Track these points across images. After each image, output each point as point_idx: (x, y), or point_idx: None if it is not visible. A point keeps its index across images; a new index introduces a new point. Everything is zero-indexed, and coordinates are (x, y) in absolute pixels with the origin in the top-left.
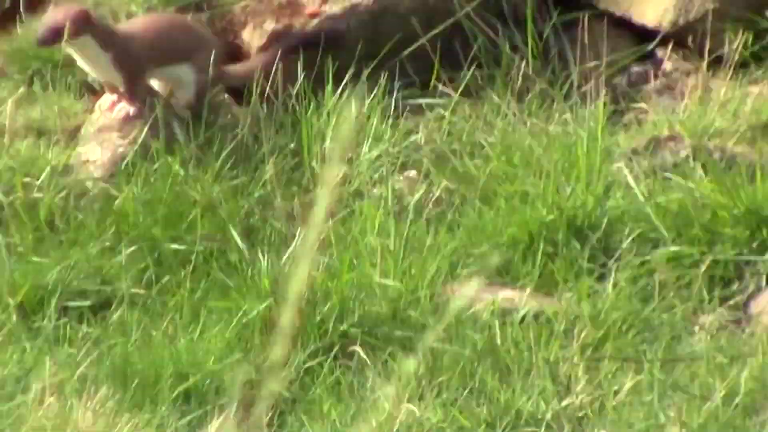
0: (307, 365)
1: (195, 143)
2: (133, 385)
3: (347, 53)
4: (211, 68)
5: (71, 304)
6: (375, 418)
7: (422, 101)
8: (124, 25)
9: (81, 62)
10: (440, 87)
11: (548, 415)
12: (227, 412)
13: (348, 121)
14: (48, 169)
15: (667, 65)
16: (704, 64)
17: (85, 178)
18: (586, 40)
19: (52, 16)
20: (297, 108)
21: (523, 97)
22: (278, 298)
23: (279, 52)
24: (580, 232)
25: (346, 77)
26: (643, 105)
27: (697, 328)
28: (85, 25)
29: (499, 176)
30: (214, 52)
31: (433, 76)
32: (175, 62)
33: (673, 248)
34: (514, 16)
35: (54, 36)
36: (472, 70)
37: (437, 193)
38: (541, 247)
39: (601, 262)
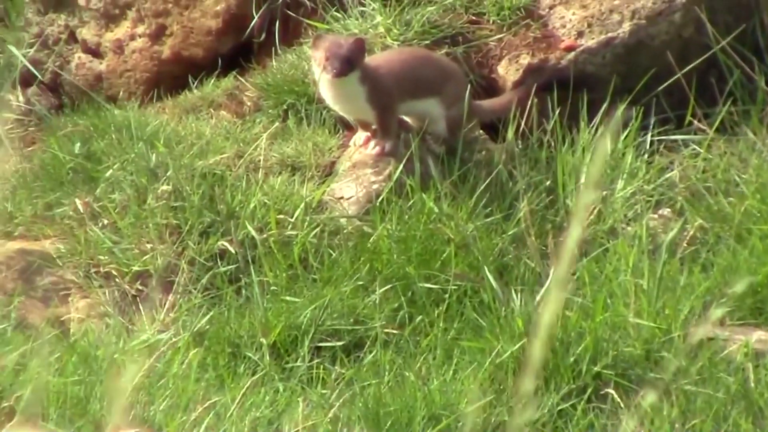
0: (560, 407)
1: (449, 180)
2: (386, 426)
3: (601, 88)
4: (461, 103)
5: (324, 344)
6: None
7: (677, 137)
8: (371, 59)
9: (333, 97)
10: (695, 123)
11: None
12: None
13: (602, 158)
14: (302, 205)
15: None
16: None
17: (339, 215)
18: None
19: (336, 46)
20: (551, 144)
21: None
22: (532, 338)
23: (533, 88)
24: None
25: (600, 112)
26: None
27: None
28: (361, 56)
29: (753, 214)
30: (462, 86)
31: (688, 112)
32: (424, 97)
33: None
34: None
35: (348, 68)
36: (727, 105)
37: (692, 232)
38: None
39: None
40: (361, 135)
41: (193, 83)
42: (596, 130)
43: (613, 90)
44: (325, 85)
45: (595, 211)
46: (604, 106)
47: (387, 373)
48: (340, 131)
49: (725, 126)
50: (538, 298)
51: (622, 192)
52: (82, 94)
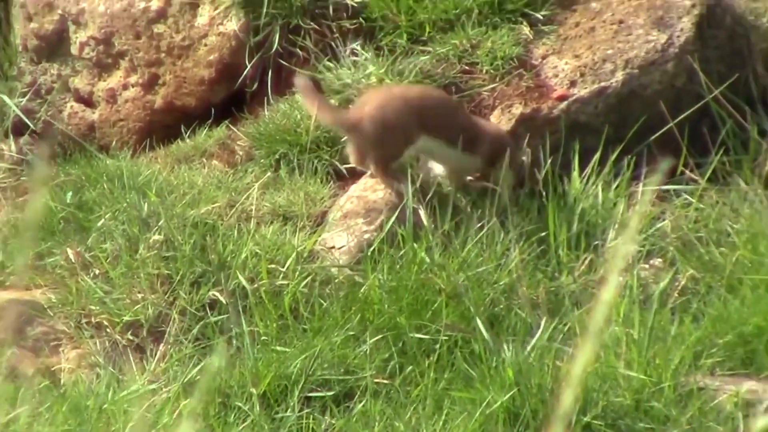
0: None
1: (441, 230)
2: None
3: (593, 137)
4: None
5: (314, 394)
6: None
7: (669, 187)
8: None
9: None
10: (687, 172)
11: None
12: None
13: (594, 208)
14: (293, 255)
15: None
16: None
17: (330, 264)
18: None
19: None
20: (543, 193)
21: None
22: (523, 389)
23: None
24: None
25: (592, 162)
26: None
27: None
28: None
29: (745, 265)
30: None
31: (681, 162)
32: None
33: None
34: (762, 100)
35: None
36: (719, 155)
37: (683, 282)
38: None
39: None
40: (356, 186)
41: (186, 133)
42: (588, 179)
43: (605, 139)
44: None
45: (587, 262)
46: (597, 155)
47: (377, 424)
48: (332, 181)
49: (717, 176)
50: (528, 348)
51: (614, 242)
52: (74, 143)
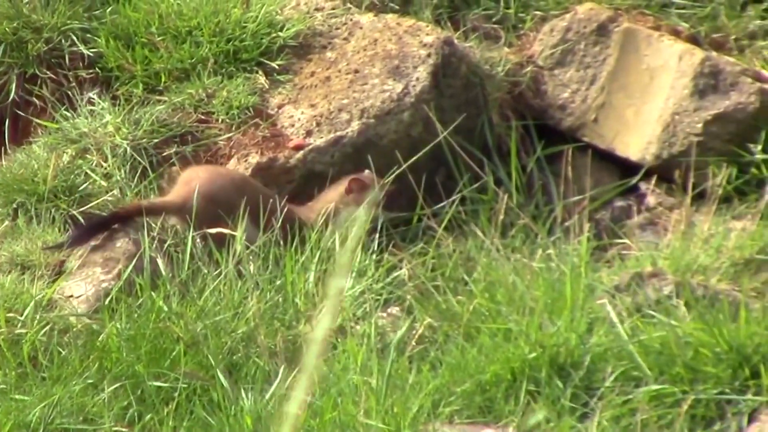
0: None
1: (179, 278)
2: None
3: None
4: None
5: None
6: None
7: (406, 236)
8: None
9: None
10: (424, 221)
11: None
12: None
13: (332, 256)
14: (32, 304)
15: (651, 199)
16: (688, 199)
17: (68, 313)
18: (569, 174)
19: None
20: (281, 243)
21: (506, 231)
22: None
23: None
24: (563, 370)
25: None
26: (626, 241)
27: None
28: None
29: (482, 313)
30: None
31: (417, 210)
32: None
33: (656, 387)
34: (498, 150)
35: None
36: (455, 204)
37: (420, 330)
38: (524, 385)
39: (583, 401)
40: None
41: None
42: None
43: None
44: None
45: (324, 310)
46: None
47: None
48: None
49: (454, 225)
50: (267, 396)
51: (351, 290)
52: None
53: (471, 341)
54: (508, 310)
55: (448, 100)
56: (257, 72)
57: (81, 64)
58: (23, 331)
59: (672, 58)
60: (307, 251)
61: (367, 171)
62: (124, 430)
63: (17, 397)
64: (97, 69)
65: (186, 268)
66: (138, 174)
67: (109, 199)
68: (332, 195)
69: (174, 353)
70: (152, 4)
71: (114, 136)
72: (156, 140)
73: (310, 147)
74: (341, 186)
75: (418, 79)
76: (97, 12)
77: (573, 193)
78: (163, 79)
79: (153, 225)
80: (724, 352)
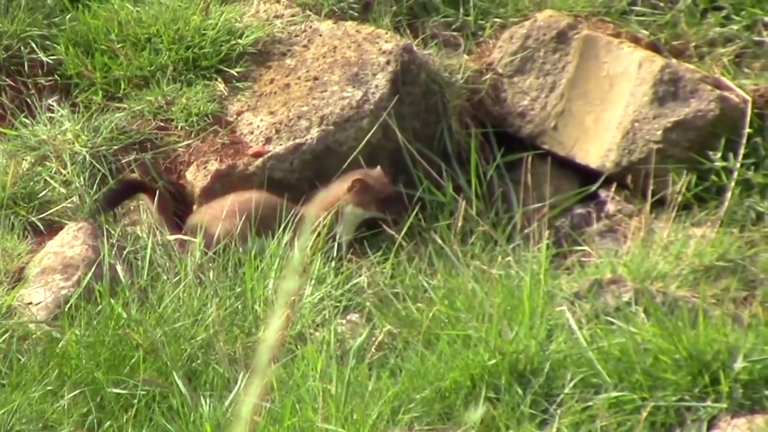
0: None
1: (138, 285)
2: None
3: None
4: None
5: None
6: None
7: (365, 243)
8: None
9: None
10: (384, 228)
11: None
12: None
13: (291, 264)
14: None
15: (610, 207)
16: (647, 206)
17: (28, 320)
18: (529, 181)
19: None
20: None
21: (466, 238)
22: None
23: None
24: (523, 377)
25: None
26: (585, 248)
27: None
28: None
29: (442, 320)
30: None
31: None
32: None
33: (615, 394)
34: (457, 157)
35: None
36: (415, 211)
37: (380, 337)
38: (484, 392)
39: (542, 408)
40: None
41: None
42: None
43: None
44: None
45: (284, 317)
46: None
47: None
48: (30, 237)
49: (413, 231)
50: (227, 403)
51: (311, 297)
52: None
53: (430, 348)
54: (468, 316)
55: (407, 107)
56: (216, 79)
57: (40, 71)
58: None
59: (632, 66)
60: (266, 258)
61: (378, 168)
62: None
63: None
64: (56, 76)
65: (145, 275)
66: (97, 181)
67: (69, 206)
68: (336, 191)
69: (133, 360)
70: (111, 12)
71: (73, 143)
72: (115, 147)
73: (270, 154)
74: (345, 183)
75: (377, 86)
76: (56, 19)
77: (532, 200)
78: (122, 87)
79: (112, 231)
80: (684, 358)
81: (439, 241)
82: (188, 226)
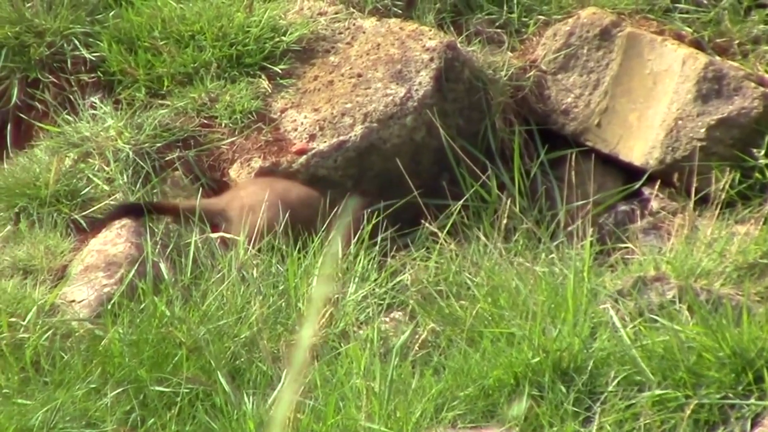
0: None
1: (181, 283)
2: None
3: (333, 190)
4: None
5: None
6: None
7: (409, 240)
8: None
9: None
10: (428, 225)
11: None
12: None
13: (334, 261)
14: (34, 309)
15: (654, 204)
16: (691, 203)
17: (71, 318)
18: (573, 179)
19: None
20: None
21: (509, 236)
22: None
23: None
24: (566, 375)
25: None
26: (629, 245)
27: None
28: None
29: (485, 317)
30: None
31: (421, 215)
32: None
33: (659, 392)
34: (501, 154)
35: None
36: (458, 208)
37: (423, 335)
38: (527, 389)
39: (586, 406)
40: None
41: None
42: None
43: (347, 192)
44: None
45: (327, 315)
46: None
47: None
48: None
49: (457, 229)
50: (270, 401)
51: (354, 295)
52: None
53: (474, 346)
54: (511, 314)
55: (451, 105)
56: (260, 76)
57: (83, 68)
58: (26, 335)
59: (675, 63)
60: (309, 255)
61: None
62: None
63: (20, 401)
64: (99, 73)
65: (189, 273)
66: (141, 178)
67: (112, 203)
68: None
69: (176, 358)
70: (155, 9)
71: (116, 140)
72: (158, 144)
73: (314, 151)
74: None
75: (421, 83)
76: (99, 16)
77: (576, 197)
78: (165, 84)
79: (156, 229)
80: (727, 356)
81: (483, 239)
82: (223, 215)
